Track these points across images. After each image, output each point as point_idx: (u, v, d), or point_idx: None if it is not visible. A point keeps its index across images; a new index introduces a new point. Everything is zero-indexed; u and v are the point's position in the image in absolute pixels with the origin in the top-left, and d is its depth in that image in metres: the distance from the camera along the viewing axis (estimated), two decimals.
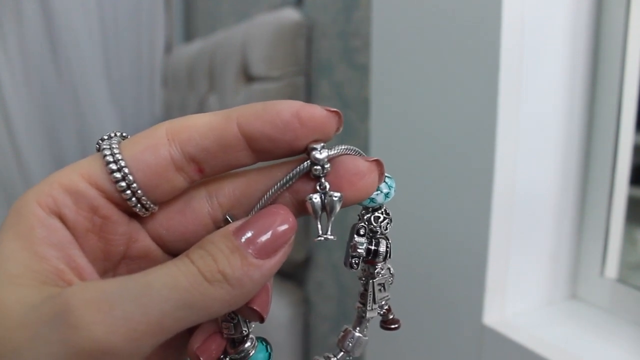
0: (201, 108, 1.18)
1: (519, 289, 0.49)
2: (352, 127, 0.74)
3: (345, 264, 0.21)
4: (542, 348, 0.43)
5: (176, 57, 1.41)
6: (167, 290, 0.16)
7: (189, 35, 1.60)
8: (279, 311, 0.91)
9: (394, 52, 0.56)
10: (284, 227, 0.18)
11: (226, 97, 1.00)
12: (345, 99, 0.76)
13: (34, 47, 1.35)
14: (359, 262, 0.20)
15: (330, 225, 0.19)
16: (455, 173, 0.49)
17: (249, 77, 0.92)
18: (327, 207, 0.18)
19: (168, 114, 1.52)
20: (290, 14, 0.85)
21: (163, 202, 0.19)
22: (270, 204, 0.19)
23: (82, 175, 0.18)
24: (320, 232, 0.19)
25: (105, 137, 0.19)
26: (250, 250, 0.17)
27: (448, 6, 0.48)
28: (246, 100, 0.92)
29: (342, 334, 0.22)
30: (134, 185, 0.18)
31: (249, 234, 0.17)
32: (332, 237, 0.19)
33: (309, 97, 0.88)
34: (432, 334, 0.54)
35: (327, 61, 0.81)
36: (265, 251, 0.17)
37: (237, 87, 0.95)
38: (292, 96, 0.86)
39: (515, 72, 0.44)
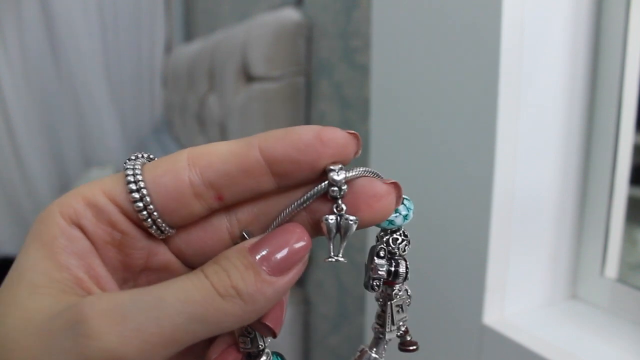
0: (201, 108, 1.18)
1: (519, 289, 0.49)
2: (352, 127, 0.74)
3: (365, 286, 0.21)
4: (541, 348, 0.43)
5: (176, 57, 1.41)
6: (180, 304, 0.16)
7: (189, 35, 1.60)
8: None
9: (394, 52, 0.56)
10: (299, 245, 0.18)
11: (226, 97, 1.01)
12: (345, 99, 0.76)
13: (34, 47, 1.35)
14: (380, 284, 0.21)
15: (342, 247, 0.19)
16: (455, 173, 0.49)
17: (249, 77, 0.92)
18: (341, 229, 0.18)
19: (168, 114, 1.52)
20: (290, 14, 0.85)
21: (180, 226, 0.20)
22: (287, 222, 0.19)
23: (103, 191, 0.19)
24: (332, 252, 0.19)
25: (133, 157, 0.20)
26: (264, 267, 0.17)
27: (448, 6, 0.48)
28: (246, 100, 0.92)
29: (358, 354, 0.22)
30: (151, 206, 0.18)
31: (264, 251, 0.18)
32: (342, 259, 0.19)
33: (309, 97, 0.88)
34: (432, 334, 0.54)
35: (327, 61, 0.81)
36: (279, 268, 0.17)
37: (237, 87, 0.95)
38: (292, 96, 0.86)
39: (515, 72, 0.44)
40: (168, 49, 1.56)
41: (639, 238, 0.61)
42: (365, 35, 0.70)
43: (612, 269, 0.49)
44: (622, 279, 0.49)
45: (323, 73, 0.82)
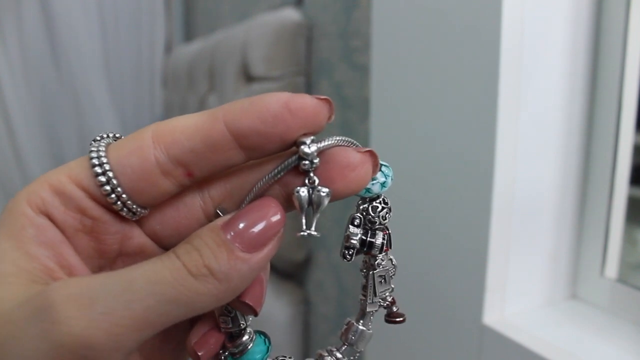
0: (201, 108, 1.18)
1: (519, 289, 0.49)
2: (352, 127, 0.74)
3: (340, 255, 0.20)
4: (542, 348, 0.43)
5: (176, 57, 1.41)
6: (151, 285, 0.16)
7: (189, 35, 1.60)
8: (279, 311, 0.91)
9: (394, 52, 0.56)
10: (273, 220, 0.17)
11: (226, 97, 1.01)
12: (345, 99, 0.76)
13: (34, 47, 1.35)
14: (353, 253, 0.20)
15: (315, 221, 0.18)
16: (455, 173, 0.49)
17: (249, 77, 0.92)
18: (313, 203, 0.18)
19: (168, 114, 1.52)
20: (290, 14, 0.85)
21: (153, 206, 0.19)
22: (260, 197, 0.18)
23: (69, 176, 0.18)
24: (305, 226, 0.18)
25: (98, 138, 0.19)
26: (237, 244, 0.17)
27: (448, 6, 0.48)
28: None
29: (345, 327, 0.22)
30: (119, 189, 0.18)
31: (236, 228, 0.17)
32: (315, 233, 0.18)
33: None
34: (432, 334, 0.54)
35: (327, 61, 0.81)
36: (253, 245, 0.17)
37: (237, 87, 0.95)
38: None
39: (515, 72, 0.44)
40: (168, 49, 1.56)
41: (639, 238, 0.61)
42: (365, 35, 0.70)
43: (612, 269, 0.49)
44: (622, 279, 0.49)
45: (323, 73, 0.82)
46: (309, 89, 0.87)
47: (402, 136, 0.56)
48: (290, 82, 0.86)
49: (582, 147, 0.50)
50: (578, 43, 0.47)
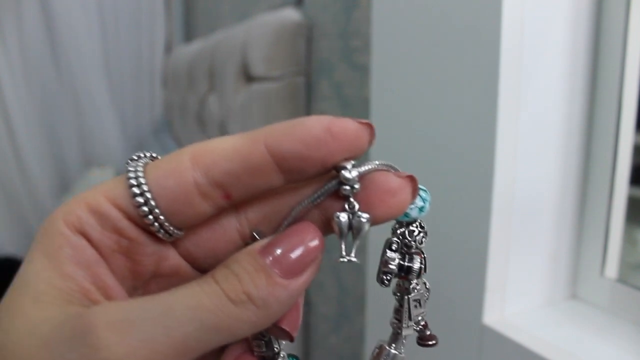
0: (201, 108, 1.18)
1: (519, 289, 0.49)
2: None
3: (377, 280, 0.20)
4: (541, 348, 0.43)
5: (176, 57, 1.42)
6: (190, 312, 0.16)
7: (189, 35, 1.60)
8: None
9: (394, 52, 0.56)
10: (312, 245, 0.17)
11: (226, 97, 1.01)
12: (345, 99, 0.76)
13: (34, 47, 1.35)
14: (390, 278, 0.20)
15: (355, 247, 0.18)
16: (455, 173, 0.49)
17: (249, 77, 0.92)
18: (353, 228, 0.18)
19: (168, 114, 1.52)
20: (290, 14, 0.85)
21: (189, 227, 0.19)
22: (298, 220, 0.18)
23: (106, 196, 0.18)
24: (344, 252, 0.18)
25: (135, 158, 0.19)
26: (276, 270, 0.16)
27: (448, 6, 0.48)
28: (246, 100, 0.92)
29: (376, 350, 0.21)
30: (156, 210, 0.17)
31: (274, 253, 0.17)
32: (355, 259, 0.18)
33: (309, 97, 0.88)
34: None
35: (327, 61, 0.81)
36: (292, 270, 0.17)
37: (237, 87, 0.95)
38: (292, 96, 0.86)
39: (515, 72, 0.44)
40: (168, 49, 1.56)
41: (639, 238, 0.61)
42: (365, 35, 0.70)
43: (612, 269, 0.49)
44: (622, 279, 0.49)
45: (323, 73, 0.82)
46: (308, 89, 0.87)
47: (402, 136, 0.56)
48: (290, 82, 0.86)
49: (582, 147, 0.50)
50: (578, 43, 0.47)
